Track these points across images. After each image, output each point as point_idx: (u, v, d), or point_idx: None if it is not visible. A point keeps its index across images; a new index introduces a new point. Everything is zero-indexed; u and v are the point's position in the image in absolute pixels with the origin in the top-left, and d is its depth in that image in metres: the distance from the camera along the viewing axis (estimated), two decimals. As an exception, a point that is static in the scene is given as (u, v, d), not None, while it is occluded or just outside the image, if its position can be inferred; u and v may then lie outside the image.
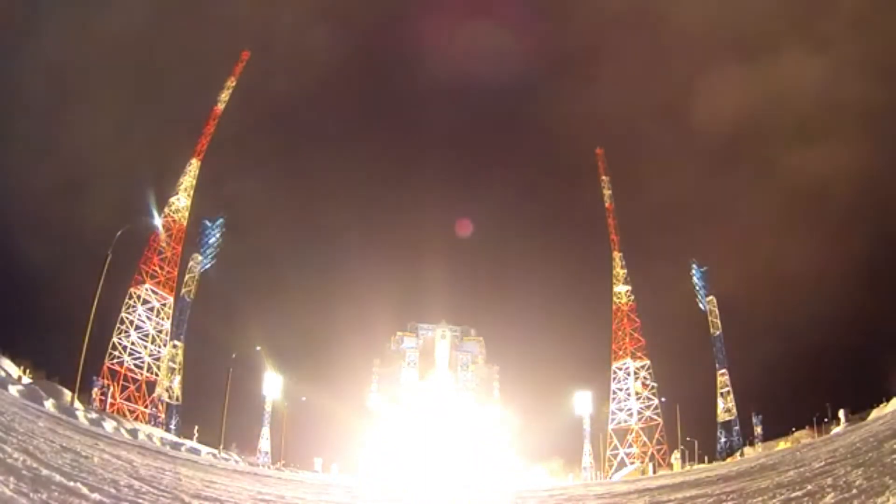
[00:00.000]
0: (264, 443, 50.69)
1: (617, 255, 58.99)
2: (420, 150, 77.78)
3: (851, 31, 58.52)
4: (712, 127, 68.86)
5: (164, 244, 50.22)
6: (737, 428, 52.53)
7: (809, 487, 7.22)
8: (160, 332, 48.97)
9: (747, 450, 45.43)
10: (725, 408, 53.39)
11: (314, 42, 76.17)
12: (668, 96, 73.11)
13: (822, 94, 58.73)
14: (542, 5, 76.18)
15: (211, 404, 47.64)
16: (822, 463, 9.70)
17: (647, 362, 55.52)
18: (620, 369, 56.10)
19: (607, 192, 60.43)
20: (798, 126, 63.19)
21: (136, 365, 46.84)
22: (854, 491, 6.35)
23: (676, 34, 70.28)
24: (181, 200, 52.17)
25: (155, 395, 48.21)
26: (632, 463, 50.52)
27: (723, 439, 52.71)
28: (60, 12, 59.02)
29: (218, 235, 55.34)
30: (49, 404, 19.09)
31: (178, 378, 51.13)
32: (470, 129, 73.56)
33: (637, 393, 54.77)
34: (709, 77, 70.23)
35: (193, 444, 34.65)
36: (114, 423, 22.44)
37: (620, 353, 56.44)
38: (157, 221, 48.01)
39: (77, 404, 23.66)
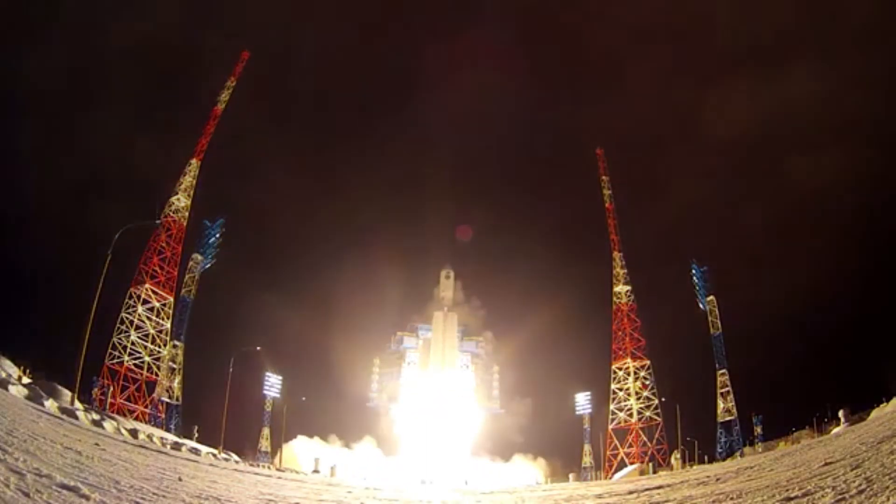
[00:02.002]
0: (263, 443, 50.81)
1: (617, 255, 59.10)
2: (423, 151, 77.80)
3: (859, 42, 58.79)
4: (718, 132, 68.99)
5: (164, 244, 50.28)
6: (737, 428, 52.59)
7: (808, 488, 7.24)
8: (160, 332, 49.00)
9: (747, 450, 45.47)
10: (725, 408, 53.43)
11: (321, 43, 76.35)
12: (677, 101, 73.19)
13: (829, 104, 58.87)
14: (560, 16, 76.45)
15: (211, 404, 47.67)
16: (822, 463, 9.71)
17: (647, 362, 55.60)
18: (620, 369, 56.15)
19: (607, 193, 60.66)
20: (803, 134, 63.40)
21: (136, 365, 46.87)
22: (853, 492, 6.37)
23: (689, 44, 70.52)
24: (181, 200, 52.23)
25: (155, 395, 48.25)
26: (632, 463, 50.55)
27: (723, 439, 52.76)
28: (65, 14, 59.02)
29: (218, 235, 55.54)
30: (49, 404, 19.12)
31: (178, 378, 51.22)
32: (472, 129, 73.52)
33: (637, 393, 54.82)
34: (718, 85, 70.33)
35: (194, 444, 34.68)
36: (114, 423, 22.47)
37: (620, 353, 56.49)
38: (157, 221, 48.02)
39: (77, 404, 23.68)
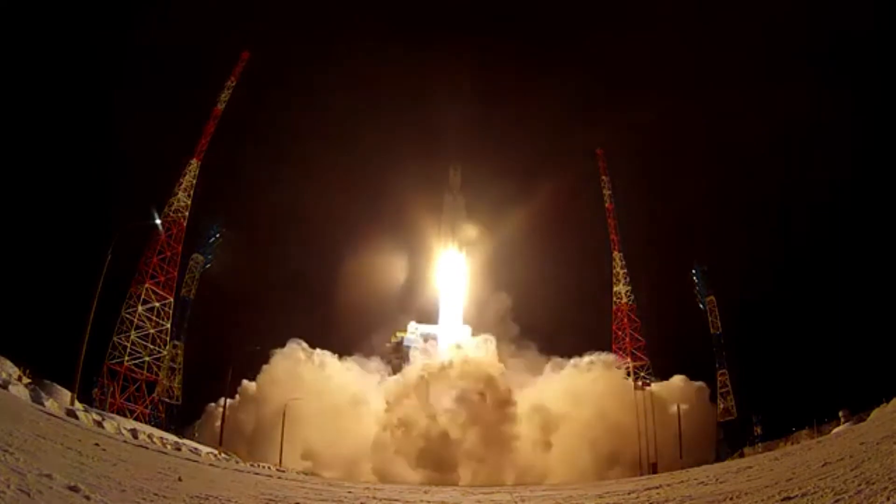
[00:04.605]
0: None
1: (617, 254, 59.13)
2: (421, 146, 77.39)
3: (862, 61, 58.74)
4: (721, 133, 68.76)
5: (164, 244, 50.33)
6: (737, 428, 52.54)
7: (808, 488, 7.26)
8: (160, 332, 49.02)
9: (747, 450, 45.43)
10: (725, 408, 53.41)
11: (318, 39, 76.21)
12: (679, 103, 72.82)
13: (835, 104, 58.70)
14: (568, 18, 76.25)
15: (211, 404, 47.76)
16: (821, 463, 9.73)
17: (647, 362, 55.58)
18: (620, 369, 56.10)
19: (607, 193, 60.69)
20: (805, 133, 63.25)
21: (136, 365, 46.88)
22: (852, 492, 6.39)
23: (696, 48, 70.30)
24: (181, 200, 52.27)
25: (155, 395, 48.28)
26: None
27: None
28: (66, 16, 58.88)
29: (218, 235, 55.58)
30: (50, 404, 19.13)
31: (178, 378, 51.26)
32: (470, 128, 73.12)
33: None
34: (722, 87, 70.00)
35: (194, 444, 34.71)
36: (114, 424, 22.46)
37: (620, 353, 56.48)
38: (157, 221, 48.04)
39: (77, 405, 23.68)
